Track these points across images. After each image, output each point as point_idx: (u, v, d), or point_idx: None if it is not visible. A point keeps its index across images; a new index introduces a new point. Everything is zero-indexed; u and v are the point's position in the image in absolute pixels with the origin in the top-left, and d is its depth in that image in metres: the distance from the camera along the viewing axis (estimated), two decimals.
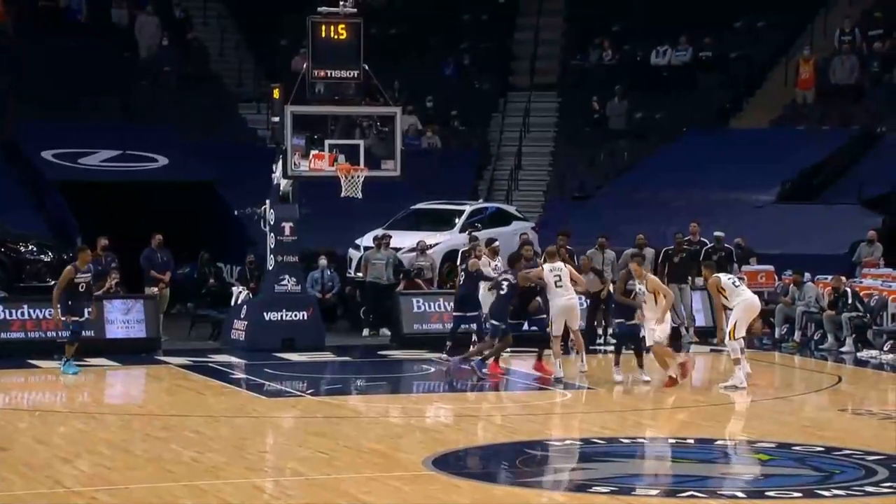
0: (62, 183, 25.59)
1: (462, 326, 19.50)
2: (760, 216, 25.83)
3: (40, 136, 26.57)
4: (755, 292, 22.26)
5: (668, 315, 17.46)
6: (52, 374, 18.34)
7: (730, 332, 17.22)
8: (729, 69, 31.37)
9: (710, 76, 31.26)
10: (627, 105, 30.73)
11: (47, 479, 12.08)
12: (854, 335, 20.59)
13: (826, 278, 22.05)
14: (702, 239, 22.71)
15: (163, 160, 26.56)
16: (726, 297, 17.31)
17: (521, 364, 19.30)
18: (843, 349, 20.65)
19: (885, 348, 20.17)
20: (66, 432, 14.53)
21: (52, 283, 21.80)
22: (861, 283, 21.70)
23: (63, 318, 18.04)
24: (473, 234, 22.66)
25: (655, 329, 17.04)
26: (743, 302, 17.28)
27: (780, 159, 27.49)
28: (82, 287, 18.05)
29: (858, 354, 20.36)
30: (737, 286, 17.57)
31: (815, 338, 21.40)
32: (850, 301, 20.66)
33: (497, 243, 20.87)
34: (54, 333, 19.24)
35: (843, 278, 21.37)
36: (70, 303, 18.03)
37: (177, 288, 22.64)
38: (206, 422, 14.98)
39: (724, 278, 17.70)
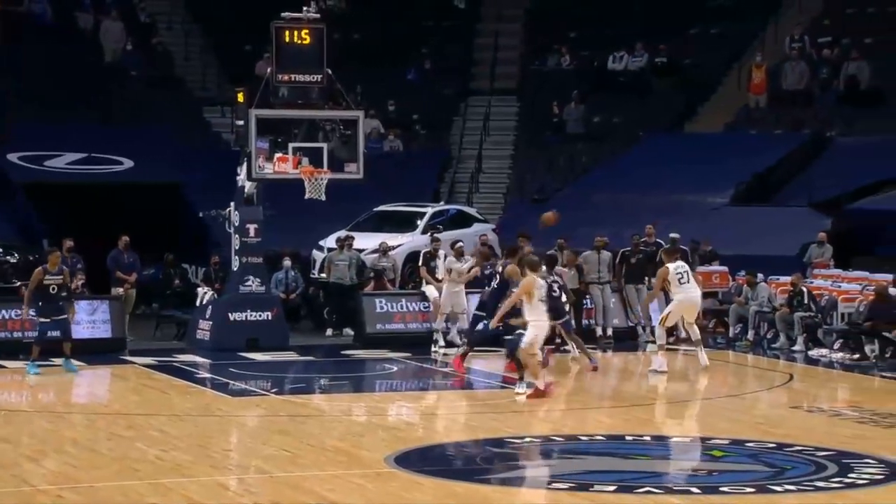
0: (28, 185, 25.39)
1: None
2: (715, 218, 25.99)
3: (6, 138, 26.34)
4: (710, 293, 22.65)
5: (540, 321, 15.94)
6: (19, 373, 18.20)
7: (661, 320, 18.62)
8: (684, 75, 31.55)
9: (666, 82, 31.44)
10: (585, 109, 30.85)
11: (13, 477, 11.98)
12: (805, 334, 20.75)
13: (778, 278, 22.22)
14: (657, 240, 22.82)
15: (128, 162, 26.42)
16: (670, 289, 18.39)
17: (482, 363, 19.32)
18: (794, 348, 20.81)
19: (834, 347, 20.34)
20: (33, 431, 14.42)
21: (18, 283, 21.73)
22: (812, 283, 21.86)
23: (30, 319, 17.91)
24: (435, 235, 22.68)
25: (525, 332, 16.07)
26: (681, 297, 18.30)
27: (733, 162, 27.67)
28: (53, 289, 17.93)
29: (809, 353, 20.52)
30: (681, 282, 18.35)
31: (768, 337, 21.55)
32: (805, 301, 20.80)
33: (461, 244, 20.94)
34: (20, 334, 19.08)
35: (801, 276, 21.54)
36: (41, 304, 17.90)
37: (142, 289, 22.53)
38: (171, 421, 14.90)
39: (672, 270, 18.42)
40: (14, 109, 27.68)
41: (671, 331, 21.16)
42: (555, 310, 17.29)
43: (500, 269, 18.25)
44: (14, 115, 27.49)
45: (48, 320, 17.99)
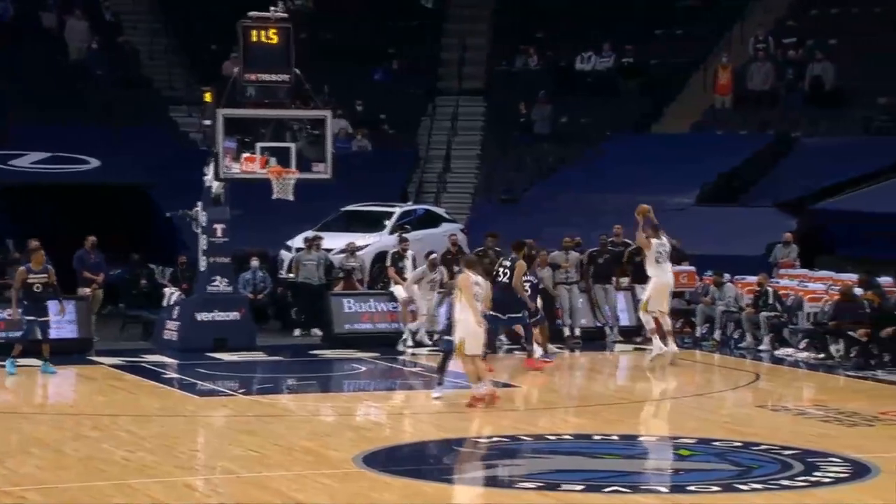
0: None
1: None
2: (681, 218, 26.03)
3: None
4: (677, 293, 22.76)
5: (469, 321, 15.36)
6: None
7: (643, 305, 18.88)
8: (650, 75, 31.66)
9: (632, 82, 31.53)
10: (552, 110, 30.89)
11: None
12: (771, 334, 20.84)
13: (745, 278, 22.31)
14: (625, 240, 22.88)
15: (94, 162, 26.22)
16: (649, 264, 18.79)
17: (451, 364, 19.29)
18: (760, 347, 20.90)
19: (800, 346, 20.44)
20: None
21: None
22: (778, 283, 21.96)
23: (19, 318, 17.71)
24: (403, 235, 22.64)
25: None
26: (656, 280, 18.74)
27: (699, 163, 27.76)
28: (38, 287, 17.71)
29: (775, 352, 20.61)
30: (658, 261, 18.78)
31: (734, 336, 21.62)
32: (770, 301, 20.90)
33: (435, 255, 20.90)
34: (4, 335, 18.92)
35: (767, 276, 21.65)
36: (27, 303, 17.68)
37: (109, 289, 22.38)
38: (137, 421, 14.80)
39: (654, 247, 18.82)
40: None
41: (638, 330, 21.27)
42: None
43: (507, 263, 18.48)
44: None
45: (33, 319, 17.76)
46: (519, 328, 19.15)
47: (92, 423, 14.72)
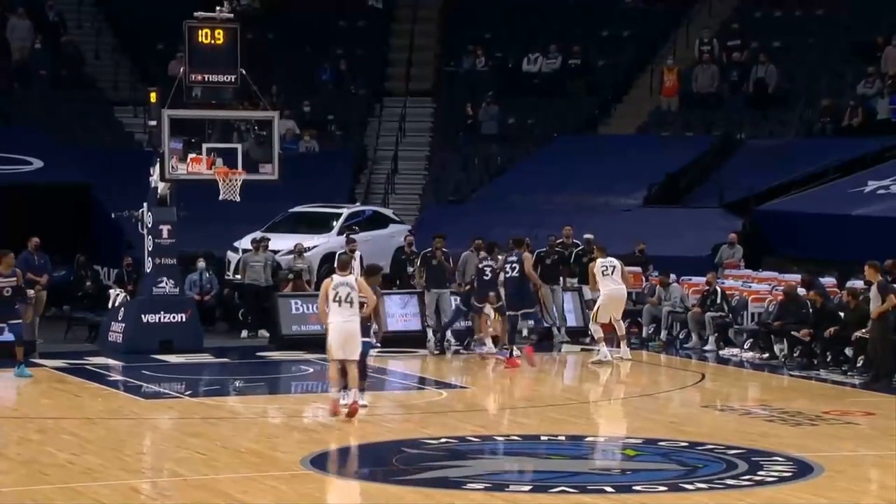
0: None
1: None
2: (628, 219, 26.21)
3: None
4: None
5: (334, 322, 14.74)
6: None
7: (593, 315, 19.62)
8: (597, 77, 31.81)
9: (579, 83, 31.67)
10: (499, 111, 30.96)
11: None
12: (716, 334, 21.01)
13: (691, 279, 22.49)
14: (575, 241, 22.98)
15: (37, 163, 25.96)
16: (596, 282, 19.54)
17: (398, 364, 19.30)
18: (706, 348, 21.06)
19: (745, 346, 20.62)
20: None
21: None
22: (723, 283, 22.13)
23: None
24: (351, 236, 22.60)
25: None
26: (605, 292, 19.48)
27: (646, 164, 27.93)
28: (7, 291, 17.42)
29: (720, 353, 20.78)
30: (605, 274, 19.48)
31: (680, 337, 21.78)
32: (718, 300, 21.06)
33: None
34: None
35: (715, 275, 21.85)
36: None
37: (53, 290, 22.14)
38: (82, 424, 14.67)
39: (598, 266, 19.54)
40: None
41: (585, 331, 21.38)
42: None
43: (513, 258, 19.14)
44: None
45: (3, 324, 17.46)
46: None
47: (36, 426, 14.57)
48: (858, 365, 18.21)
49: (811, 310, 19.35)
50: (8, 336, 17.99)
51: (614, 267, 19.45)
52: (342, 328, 14.47)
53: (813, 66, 30.04)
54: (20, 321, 17.74)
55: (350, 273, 14.90)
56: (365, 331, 14.99)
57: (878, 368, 17.54)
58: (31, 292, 20.83)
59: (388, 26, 33.72)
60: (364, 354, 15.11)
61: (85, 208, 25.20)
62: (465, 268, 20.78)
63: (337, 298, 14.44)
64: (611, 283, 19.39)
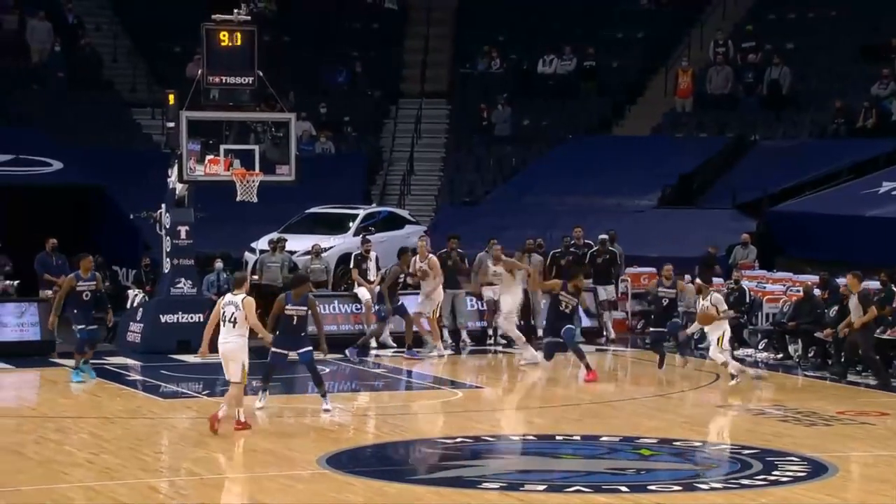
0: None
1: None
2: (642, 220, 26.16)
3: None
4: (639, 294, 22.90)
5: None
6: None
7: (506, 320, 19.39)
8: (611, 78, 31.75)
9: (594, 85, 31.62)
10: (513, 112, 30.93)
11: None
12: (731, 335, 20.89)
13: None
14: (587, 241, 22.93)
15: (57, 164, 26.03)
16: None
17: (416, 366, 19.28)
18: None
19: (759, 347, 20.54)
20: None
21: None
22: (733, 285, 22.02)
23: (74, 328, 17.41)
24: (367, 237, 22.60)
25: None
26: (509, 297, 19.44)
27: (660, 165, 27.87)
28: (86, 295, 17.28)
29: (735, 353, 20.66)
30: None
31: (696, 337, 21.69)
32: (745, 300, 20.93)
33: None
34: None
35: (742, 273, 21.75)
36: (76, 311, 17.26)
37: None
38: (101, 423, 14.69)
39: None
40: None
41: (600, 331, 21.31)
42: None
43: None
44: None
45: (82, 327, 17.33)
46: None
47: (54, 426, 14.60)
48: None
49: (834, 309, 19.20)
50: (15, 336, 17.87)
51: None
52: (220, 349, 14.11)
53: (826, 67, 29.94)
54: (96, 326, 17.54)
55: (243, 292, 14.13)
56: (303, 340, 14.91)
57: (875, 372, 17.85)
58: (48, 293, 20.91)
59: (403, 28, 33.71)
60: (308, 362, 15.01)
61: (104, 209, 25.25)
62: (479, 268, 20.76)
63: (223, 317, 14.04)
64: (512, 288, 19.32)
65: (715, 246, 23.44)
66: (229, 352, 14.00)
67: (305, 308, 14.93)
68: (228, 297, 14.18)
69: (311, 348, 15.00)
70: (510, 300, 19.69)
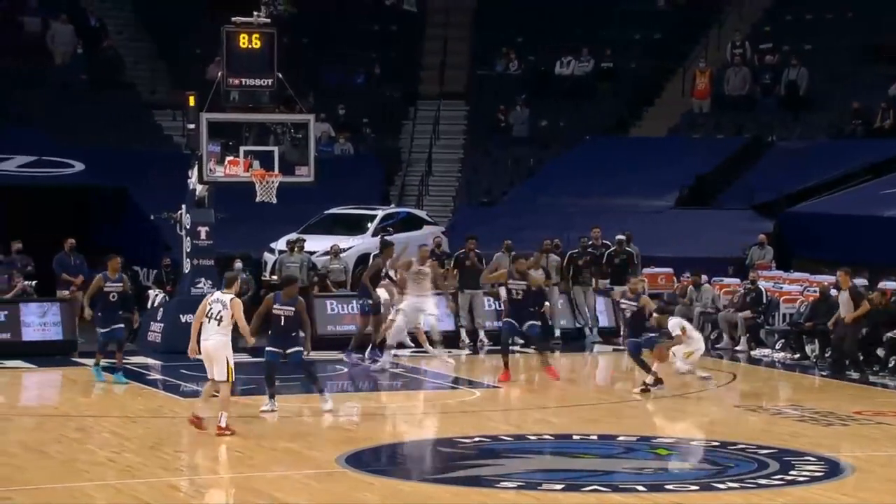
0: None
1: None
2: (659, 221, 26.09)
3: None
4: (655, 294, 22.86)
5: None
6: None
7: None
8: (629, 80, 31.69)
9: (611, 86, 31.56)
10: (531, 113, 30.90)
11: None
12: (748, 335, 20.88)
13: (722, 280, 22.37)
14: (604, 242, 22.88)
15: (79, 165, 26.13)
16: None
17: (433, 364, 19.28)
18: (737, 348, 20.93)
19: (776, 347, 20.48)
20: None
21: None
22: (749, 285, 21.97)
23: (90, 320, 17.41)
24: (385, 237, 22.60)
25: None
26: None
27: (677, 166, 27.80)
28: (113, 297, 17.22)
29: (752, 353, 20.65)
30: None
31: (712, 337, 21.64)
32: (762, 300, 20.87)
33: (426, 247, 20.78)
34: None
35: (758, 274, 21.69)
36: (100, 314, 17.25)
37: None
38: (122, 422, 14.73)
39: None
40: None
41: (617, 331, 21.31)
42: None
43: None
44: None
45: (107, 329, 17.31)
46: None
47: (76, 425, 14.64)
48: (891, 365, 18.10)
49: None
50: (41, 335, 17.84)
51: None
52: (203, 346, 13.94)
53: (844, 68, 29.81)
54: (122, 327, 17.54)
55: (232, 292, 14.00)
56: (293, 340, 14.87)
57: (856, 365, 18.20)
58: (66, 293, 20.98)
59: (422, 30, 33.71)
60: (297, 363, 15.00)
61: (125, 210, 25.33)
62: (496, 269, 20.72)
63: (209, 314, 13.89)
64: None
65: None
66: (212, 348, 13.88)
67: (293, 308, 14.89)
68: (217, 294, 14.07)
69: (300, 348, 14.99)
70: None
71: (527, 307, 17.69)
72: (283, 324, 14.89)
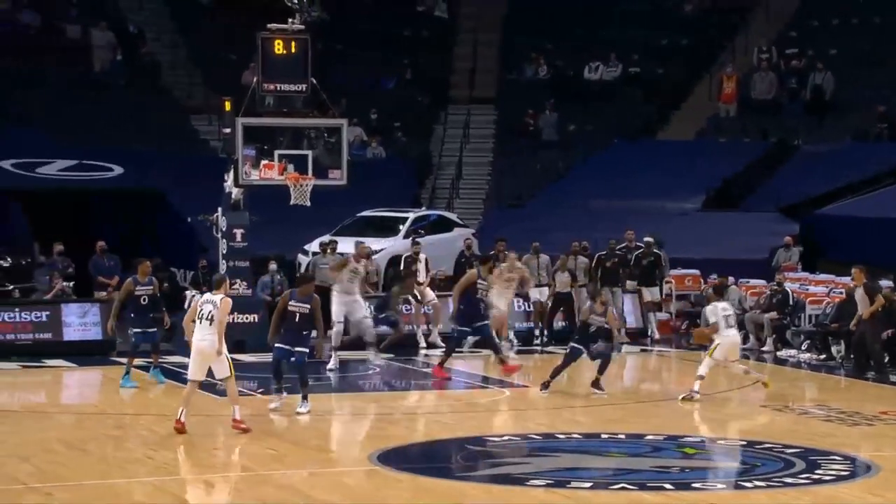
0: (20, 191, 25.22)
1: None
2: (685, 223, 26.00)
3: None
4: (682, 295, 22.77)
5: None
6: (10, 375, 18.04)
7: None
8: (656, 84, 31.59)
9: (639, 91, 31.47)
10: (559, 117, 30.85)
11: (3, 476, 11.85)
12: (774, 335, 20.75)
13: (748, 282, 22.25)
14: (638, 243, 22.80)
15: (118, 169, 26.29)
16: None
17: (463, 364, 19.26)
18: (764, 349, 20.81)
19: (802, 348, 20.35)
20: (21, 431, 14.26)
21: (10, 287, 21.58)
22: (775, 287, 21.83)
23: (114, 329, 17.49)
24: (417, 240, 22.61)
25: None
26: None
27: (703, 169, 27.70)
28: (144, 300, 17.20)
29: (778, 354, 20.52)
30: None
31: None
32: (789, 302, 20.74)
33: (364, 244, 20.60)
34: (13, 336, 18.96)
35: (785, 276, 21.55)
36: (133, 315, 17.24)
37: None
38: (158, 421, 14.78)
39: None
40: (7, 117, 27.49)
41: (644, 332, 21.23)
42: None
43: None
44: (7, 122, 27.30)
45: (140, 331, 17.37)
46: None
47: (114, 423, 14.71)
48: None
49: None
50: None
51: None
52: (196, 347, 13.91)
53: (869, 73, 29.61)
54: (156, 329, 17.53)
55: (221, 293, 13.96)
56: (303, 340, 14.88)
57: (875, 363, 18.08)
58: (102, 294, 21.09)
59: (453, 36, 33.73)
60: (301, 364, 14.97)
61: (163, 212, 25.47)
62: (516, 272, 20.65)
63: (199, 315, 13.87)
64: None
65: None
66: (207, 348, 13.87)
67: (308, 306, 14.91)
68: (207, 296, 14.11)
69: (307, 350, 14.98)
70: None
71: (478, 307, 17.66)
72: (297, 321, 14.94)
